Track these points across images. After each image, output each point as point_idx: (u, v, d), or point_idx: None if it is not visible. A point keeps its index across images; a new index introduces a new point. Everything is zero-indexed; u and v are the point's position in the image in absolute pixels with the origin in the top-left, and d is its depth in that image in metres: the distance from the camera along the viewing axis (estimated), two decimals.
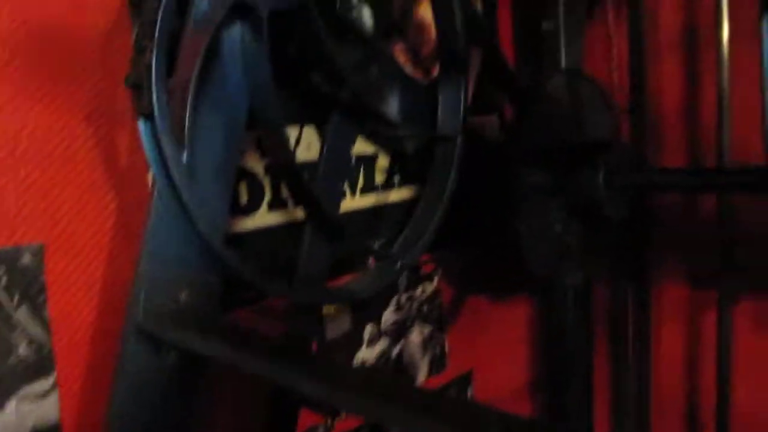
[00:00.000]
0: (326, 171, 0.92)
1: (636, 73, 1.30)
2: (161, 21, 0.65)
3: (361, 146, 1.07)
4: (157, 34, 0.65)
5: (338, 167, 0.94)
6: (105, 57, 0.81)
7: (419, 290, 1.24)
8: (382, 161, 1.13)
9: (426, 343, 1.26)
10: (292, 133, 0.98)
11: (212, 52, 0.72)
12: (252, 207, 0.95)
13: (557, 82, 1.07)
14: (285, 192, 0.98)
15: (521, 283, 1.43)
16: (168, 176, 0.67)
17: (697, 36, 1.28)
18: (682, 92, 1.31)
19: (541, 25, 1.31)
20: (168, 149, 0.66)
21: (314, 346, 1.03)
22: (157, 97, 0.64)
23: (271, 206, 0.97)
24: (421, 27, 1.20)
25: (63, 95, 0.78)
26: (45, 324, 0.77)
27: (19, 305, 0.76)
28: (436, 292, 1.27)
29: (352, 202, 1.08)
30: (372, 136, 1.08)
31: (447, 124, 0.97)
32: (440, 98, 0.99)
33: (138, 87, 0.65)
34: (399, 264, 0.91)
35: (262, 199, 0.97)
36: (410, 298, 1.22)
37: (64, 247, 0.79)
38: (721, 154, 1.18)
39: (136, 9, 0.83)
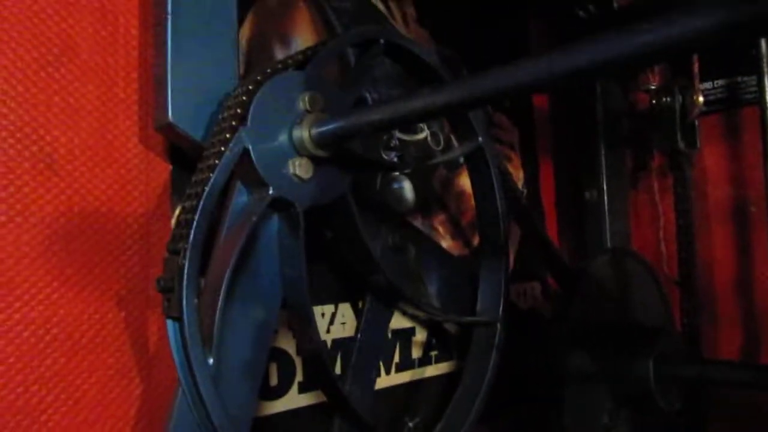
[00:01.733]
0: (360, 357, 0.88)
1: (684, 245, 1.26)
2: (197, 223, 0.65)
3: (398, 321, 1.04)
4: (191, 237, 0.64)
5: (373, 352, 0.91)
6: (142, 241, 0.81)
7: None
8: (420, 336, 1.09)
9: None
10: (326, 310, 0.96)
11: (247, 247, 0.71)
12: (282, 389, 0.92)
13: (603, 260, 1.03)
14: None
15: None
16: (193, 381, 0.64)
17: (749, 209, 1.25)
18: (734, 265, 1.26)
19: (584, 195, 1.30)
20: (194, 354, 0.64)
21: None
22: (187, 303, 0.63)
23: (303, 388, 0.94)
24: (461, 196, 1.20)
25: (96, 281, 0.77)
26: None
27: None
28: None
29: (388, 379, 1.03)
30: (408, 313, 1.05)
31: (487, 308, 0.94)
32: (481, 281, 0.96)
33: (168, 290, 0.64)
34: None
35: (293, 380, 0.93)
36: None
37: None
38: None
39: (177, 193, 0.84)
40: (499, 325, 0.93)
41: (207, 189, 0.65)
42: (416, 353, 1.09)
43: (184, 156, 0.84)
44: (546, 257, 1.08)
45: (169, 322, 0.66)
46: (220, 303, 0.65)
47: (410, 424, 1.07)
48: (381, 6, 1.09)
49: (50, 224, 0.75)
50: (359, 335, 0.89)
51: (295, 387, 0.93)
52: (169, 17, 0.74)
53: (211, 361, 0.65)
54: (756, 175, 1.24)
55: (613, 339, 1.00)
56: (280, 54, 0.95)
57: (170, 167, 0.84)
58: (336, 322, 0.98)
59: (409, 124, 0.83)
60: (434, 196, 1.14)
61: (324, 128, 0.70)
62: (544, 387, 0.99)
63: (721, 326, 1.26)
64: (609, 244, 1.27)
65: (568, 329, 0.97)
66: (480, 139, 0.92)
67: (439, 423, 0.91)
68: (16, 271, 0.72)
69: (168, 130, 0.76)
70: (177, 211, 0.84)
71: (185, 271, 0.63)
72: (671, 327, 1.14)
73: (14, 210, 0.72)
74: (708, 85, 1.30)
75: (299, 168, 0.71)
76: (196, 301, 0.64)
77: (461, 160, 1.16)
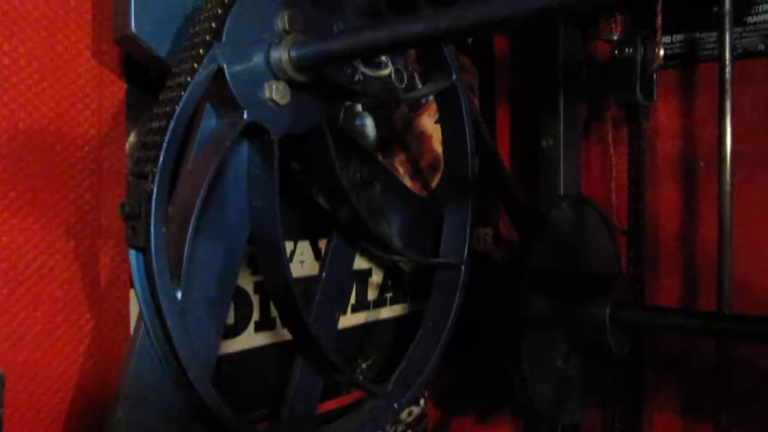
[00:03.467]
0: (323, 297, 0.86)
1: (634, 196, 1.27)
2: (168, 145, 0.59)
3: (356, 261, 1.01)
4: (161, 160, 0.59)
5: (336, 292, 0.88)
6: (93, 166, 0.74)
7: (405, 413, 1.16)
8: (376, 277, 1.07)
9: None
10: (286, 248, 0.92)
11: (214, 176, 0.66)
12: (238, 328, 0.88)
13: (562, 208, 1.03)
14: (274, 311, 0.91)
15: (507, 404, 1.36)
16: (159, 316, 0.60)
17: (697, 164, 1.27)
18: (680, 218, 1.29)
19: (540, 142, 1.29)
20: (162, 287, 0.59)
21: None
22: (155, 231, 0.58)
23: (259, 327, 0.90)
24: (421, 138, 1.17)
25: (44, 206, 0.71)
26: None
27: None
28: (422, 416, 1.19)
29: (344, 320, 1.01)
30: (367, 252, 1.02)
31: (451, 250, 0.92)
32: (445, 223, 0.94)
33: (133, 217, 0.59)
34: (395, 405, 0.83)
35: (249, 319, 0.89)
36: (396, 421, 1.14)
37: (27, 374, 0.70)
38: (722, 285, 1.15)
39: (133, 115, 0.77)
40: (463, 267, 0.91)
41: (178, 108, 0.60)
42: (372, 294, 1.07)
43: (140, 73, 0.77)
44: (507, 201, 1.07)
45: (133, 253, 0.61)
46: (189, 234, 0.60)
47: (363, 365, 1.06)
48: None
49: None
50: (324, 273, 0.86)
51: (251, 326, 0.89)
52: None
53: (179, 294, 0.60)
54: (707, 132, 1.26)
55: (570, 285, 1.01)
56: None
57: (125, 86, 0.77)
58: (295, 260, 0.94)
59: (396, 50, 0.79)
60: (395, 135, 1.10)
61: (305, 50, 0.65)
62: (502, 331, 0.99)
63: (663, 276, 1.29)
64: (561, 192, 1.27)
65: (527, 274, 0.97)
66: (454, 76, 0.89)
67: (400, 365, 0.89)
68: None
69: (128, 42, 0.69)
70: (133, 136, 0.77)
71: (153, 197, 0.58)
72: (622, 275, 1.16)
73: None
74: (667, 39, 1.30)
75: (276, 92, 0.66)
76: (164, 230, 0.59)
77: (424, 99, 1.13)
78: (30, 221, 0.70)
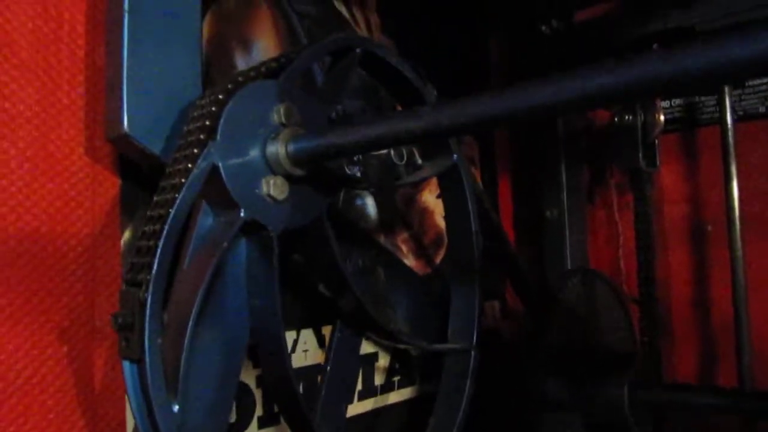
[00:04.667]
0: (330, 390, 0.82)
1: (643, 264, 1.24)
2: (162, 250, 0.57)
3: (361, 346, 0.98)
4: (155, 267, 0.56)
5: (343, 384, 0.84)
6: (87, 265, 0.72)
7: None
8: (382, 361, 1.03)
9: None
10: (288, 338, 0.89)
11: (212, 277, 0.63)
12: (241, 425, 0.84)
13: (573, 283, 1.00)
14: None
15: None
16: (155, 430, 0.56)
17: (704, 228, 1.25)
18: (691, 284, 1.26)
19: (545, 213, 1.27)
20: (158, 401, 0.56)
21: None
22: (150, 343, 0.55)
23: (263, 423, 0.86)
24: (423, 214, 1.15)
25: (35, 312, 0.68)
26: None
27: None
28: None
29: (351, 409, 0.97)
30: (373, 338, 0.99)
31: (460, 334, 0.89)
32: (452, 305, 0.90)
33: (126, 328, 0.56)
34: None
35: (252, 414, 0.85)
36: None
37: None
38: (741, 356, 1.11)
39: (128, 212, 0.75)
40: (473, 352, 0.88)
41: (172, 211, 0.58)
42: (379, 380, 1.03)
43: (134, 170, 0.75)
44: (513, 278, 1.04)
45: (127, 364, 0.57)
46: (186, 343, 0.57)
47: None
48: (345, 12, 1.03)
49: None
50: (328, 365, 0.83)
51: (254, 422, 0.85)
52: (126, 15, 0.65)
53: (176, 408, 0.57)
54: (713, 195, 1.24)
55: (585, 364, 0.97)
56: (240, 58, 0.88)
57: (119, 182, 0.75)
58: (298, 349, 0.91)
59: (400, 144, 0.77)
60: (397, 214, 1.08)
61: (302, 145, 0.64)
62: (517, 413, 0.94)
63: (679, 344, 1.25)
64: (568, 263, 1.24)
65: (541, 355, 0.93)
66: (455, 156, 0.87)
67: None
68: None
69: (122, 141, 0.67)
70: (128, 233, 0.75)
71: (147, 306, 0.55)
72: (639, 351, 1.12)
73: None
74: (665, 104, 1.29)
75: (273, 187, 0.64)
76: (159, 341, 0.56)
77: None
78: (20, 328, 0.67)
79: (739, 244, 1.13)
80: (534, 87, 0.47)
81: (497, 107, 0.48)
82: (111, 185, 0.75)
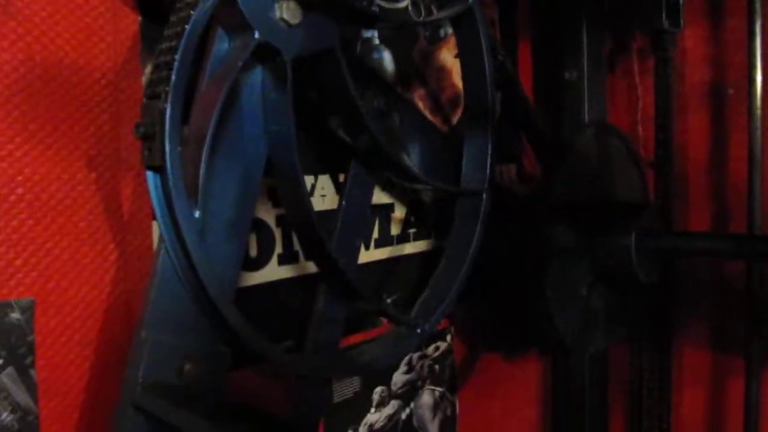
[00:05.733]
0: (344, 225, 0.85)
1: (662, 127, 1.24)
2: (179, 64, 0.59)
3: (377, 196, 1.01)
4: (173, 78, 0.59)
5: (356, 221, 0.88)
6: (111, 98, 0.75)
7: (431, 348, 1.17)
8: (399, 212, 1.07)
9: (437, 405, 1.19)
10: (306, 182, 0.92)
11: (229, 99, 0.65)
12: (261, 260, 0.89)
13: (586, 136, 1.01)
14: (297, 244, 0.92)
15: (534, 339, 1.36)
16: (178, 235, 0.61)
17: (726, 91, 1.24)
18: (709, 147, 1.26)
19: (564, 75, 1.26)
20: (179, 206, 0.59)
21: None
22: (170, 150, 0.58)
23: (282, 260, 0.91)
24: (441, 72, 1.15)
25: (64, 138, 0.72)
26: (32, 388, 0.70)
27: (4, 367, 0.68)
28: (448, 351, 1.20)
29: (367, 255, 1.01)
30: (389, 186, 1.02)
31: (472, 177, 0.91)
32: (465, 150, 0.93)
33: (149, 137, 0.59)
34: (419, 331, 0.84)
35: (272, 251, 0.90)
36: (422, 357, 1.15)
37: (57, 302, 0.72)
38: (752, 212, 1.13)
39: (148, 48, 0.77)
40: (484, 195, 0.90)
41: (188, 27, 0.59)
42: (395, 230, 1.07)
43: (153, 6, 0.77)
44: (530, 134, 1.06)
45: (150, 174, 0.61)
46: (204, 153, 0.60)
47: (388, 300, 1.06)
48: None
49: (9, 74, 0.68)
50: (343, 202, 0.86)
51: (274, 259, 0.90)
52: None
53: (197, 213, 0.61)
54: (736, 58, 1.22)
55: (595, 214, 1.00)
56: None
57: (139, 18, 0.77)
58: (316, 194, 0.94)
59: None
60: (414, 69, 1.09)
61: None
62: (525, 263, 0.98)
63: (692, 206, 1.27)
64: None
65: (552, 204, 0.96)
66: (470, 0, 0.87)
67: (423, 293, 0.89)
68: None
69: None
70: (149, 67, 0.77)
71: (167, 115, 0.58)
72: (649, 203, 1.14)
73: None
74: None
75: (287, 11, 0.66)
76: (179, 149, 0.59)
77: (444, 33, 1.12)
78: (50, 153, 0.71)
79: (758, 104, 1.13)
80: None
81: None
82: (131, 21, 0.77)
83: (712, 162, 1.26)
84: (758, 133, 1.14)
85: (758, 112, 1.12)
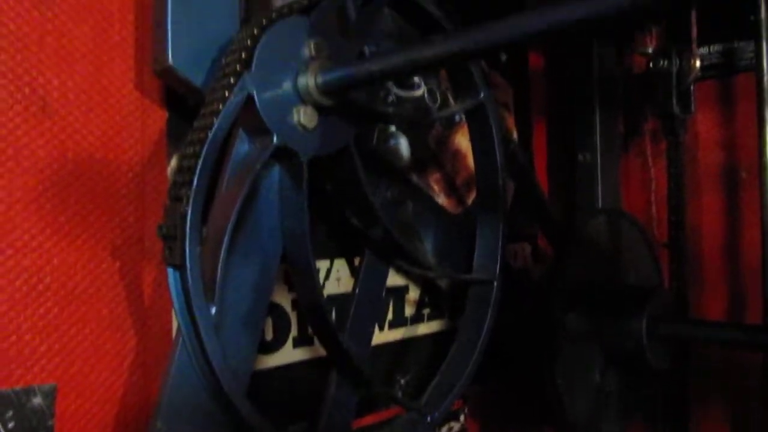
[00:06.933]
0: (358, 311, 0.88)
1: (675, 208, 1.26)
2: (201, 169, 0.63)
3: (392, 278, 1.03)
4: (195, 183, 0.62)
5: (370, 306, 0.90)
6: (137, 190, 0.79)
7: (444, 429, 1.17)
8: (413, 293, 1.08)
9: None
10: (322, 266, 0.95)
11: (248, 198, 0.69)
12: (277, 343, 0.91)
13: (597, 221, 1.03)
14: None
15: (548, 420, 1.35)
16: (195, 329, 0.63)
17: (739, 174, 1.25)
18: (723, 230, 1.27)
19: (577, 157, 1.29)
20: (197, 303, 0.62)
21: None
22: (190, 250, 0.61)
23: (297, 342, 0.93)
24: (456, 155, 1.19)
25: (91, 229, 0.75)
26: None
27: None
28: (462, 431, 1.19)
29: (381, 336, 1.03)
30: (403, 269, 1.04)
31: (484, 266, 0.94)
32: (478, 237, 0.95)
33: (170, 238, 0.62)
34: (429, 419, 0.85)
35: (287, 334, 0.92)
36: None
37: (78, 387, 0.74)
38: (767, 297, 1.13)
39: (174, 141, 0.81)
40: (495, 283, 0.92)
41: (210, 134, 0.64)
42: (409, 311, 1.08)
43: (180, 103, 0.81)
44: (540, 216, 1.08)
45: (170, 271, 0.64)
46: (222, 253, 0.64)
47: (402, 381, 1.07)
48: None
49: (43, 170, 0.72)
50: (356, 290, 0.88)
51: (289, 342, 0.92)
52: None
53: (213, 309, 0.64)
54: (748, 142, 1.24)
55: (607, 298, 1.01)
56: None
57: (166, 114, 0.82)
58: (331, 277, 0.97)
59: (417, 72, 0.82)
60: (430, 154, 1.12)
61: (330, 75, 0.69)
62: (538, 347, 0.99)
63: (708, 289, 1.27)
64: (600, 207, 1.26)
65: (563, 288, 0.97)
66: (482, 94, 0.91)
67: (434, 379, 0.91)
68: (7, 218, 0.70)
69: (167, 73, 0.73)
70: (174, 160, 0.81)
71: (188, 217, 0.62)
72: (662, 288, 1.15)
73: (6, 154, 0.70)
74: (704, 50, 1.29)
75: (304, 116, 0.70)
76: (198, 249, 0.62)
77: (459, 117, 1.15)
78: (78, 243, 0.74)
79: None
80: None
81: (499, 33, 0.52)
82: (159, 117, 0.81)
83: (726, 244, 1.26)
84: None
85: None
